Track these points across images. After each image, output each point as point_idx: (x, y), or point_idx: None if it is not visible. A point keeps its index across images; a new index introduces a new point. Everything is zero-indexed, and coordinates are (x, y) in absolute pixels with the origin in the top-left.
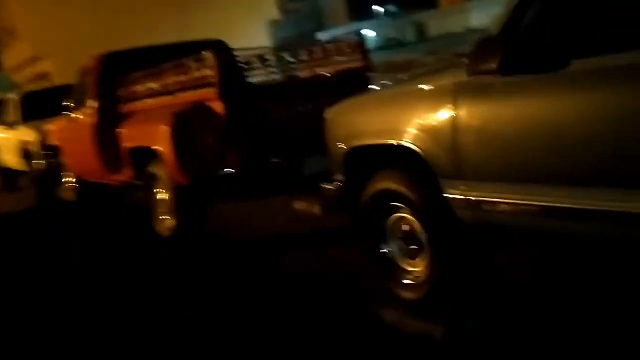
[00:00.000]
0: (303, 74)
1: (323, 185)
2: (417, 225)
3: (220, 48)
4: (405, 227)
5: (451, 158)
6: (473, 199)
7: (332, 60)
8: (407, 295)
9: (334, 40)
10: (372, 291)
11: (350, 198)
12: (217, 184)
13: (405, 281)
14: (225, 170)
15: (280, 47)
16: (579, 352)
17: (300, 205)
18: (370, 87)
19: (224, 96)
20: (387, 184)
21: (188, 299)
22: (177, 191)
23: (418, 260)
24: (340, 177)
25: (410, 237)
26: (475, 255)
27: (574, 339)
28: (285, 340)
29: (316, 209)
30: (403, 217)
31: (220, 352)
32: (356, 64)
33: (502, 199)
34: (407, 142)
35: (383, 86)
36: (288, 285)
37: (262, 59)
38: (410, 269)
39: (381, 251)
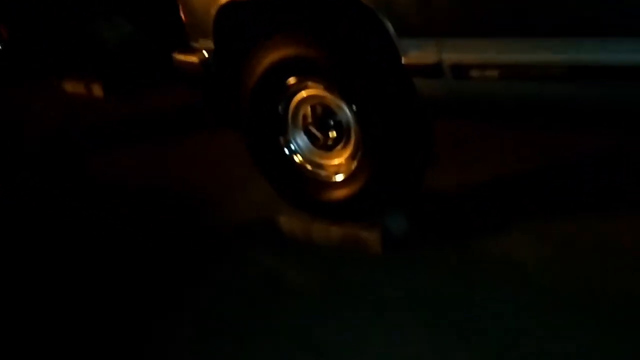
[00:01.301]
0: None
1: (177, 57)
2: (336, 104)
3: None
4: (318, 110)
5: (418, 5)
6: (452, 63)
7: None
8: (326, 196)
9: None
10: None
11: (222, 74)
12: None
13: (323, 179)
14: None
15: None
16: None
17: (73, 87)
18: None
19: None
20: (292, 49)
21: None
22: None
23: (337, 151)
24: (206, 43)
25: (323, 122)
26: (425, 140)
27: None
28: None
29: (96, 90)
30: (312, 97)
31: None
32: None
33: (505, 61)
34: None
35: None
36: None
37: None
38: (326, 162)
39: (282, 148)
